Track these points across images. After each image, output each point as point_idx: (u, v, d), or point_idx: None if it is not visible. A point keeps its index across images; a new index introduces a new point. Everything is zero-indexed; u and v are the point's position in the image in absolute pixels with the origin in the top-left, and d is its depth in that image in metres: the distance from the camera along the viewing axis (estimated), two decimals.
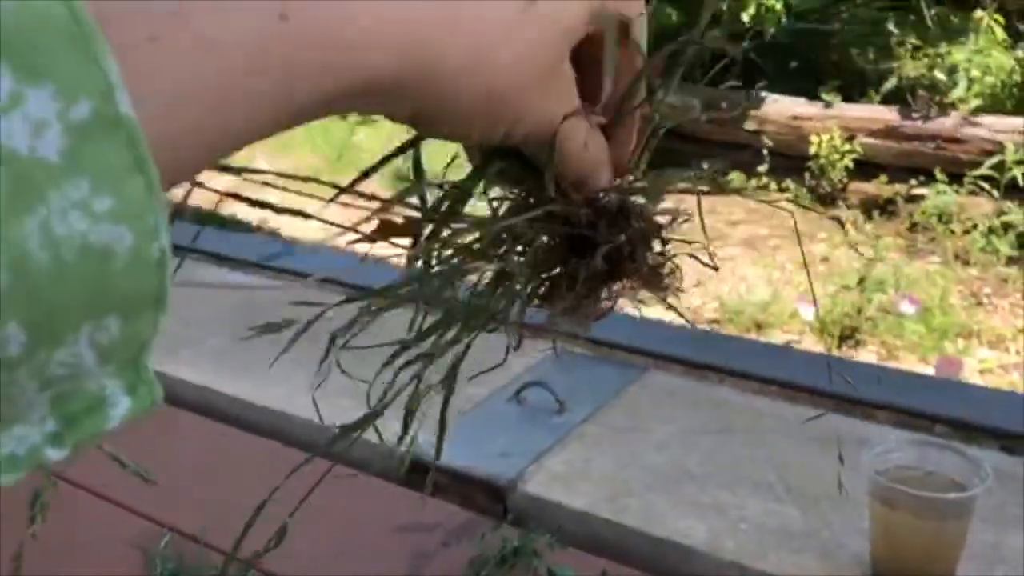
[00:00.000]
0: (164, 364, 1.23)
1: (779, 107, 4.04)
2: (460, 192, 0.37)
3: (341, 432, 0.39)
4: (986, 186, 3.53)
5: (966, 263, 3.23)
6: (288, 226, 3.01)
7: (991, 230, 3.33)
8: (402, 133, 0.33)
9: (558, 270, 0.38)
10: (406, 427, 0.41)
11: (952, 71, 3.85)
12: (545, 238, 0.38)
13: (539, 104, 0.32)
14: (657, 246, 0.38)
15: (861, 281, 2.59)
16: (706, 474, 0.98)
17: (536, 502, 0.94)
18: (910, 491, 0.78)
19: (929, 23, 4.09)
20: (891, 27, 4.42)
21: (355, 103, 0.29)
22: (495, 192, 0.38)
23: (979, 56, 3.85)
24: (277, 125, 0.27)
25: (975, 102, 3.77)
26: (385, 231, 0.36)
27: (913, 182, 3.73)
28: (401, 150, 0.36)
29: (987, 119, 3.74)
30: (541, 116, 0.33)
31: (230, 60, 0.24)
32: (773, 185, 3.89)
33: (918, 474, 0.82)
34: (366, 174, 0.35)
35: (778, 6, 4.01)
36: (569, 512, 0.92)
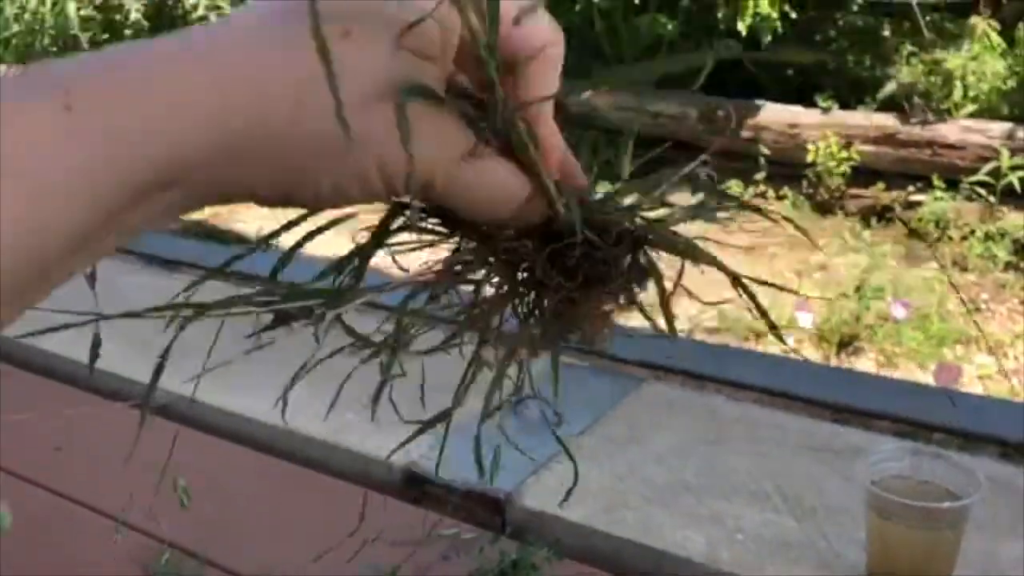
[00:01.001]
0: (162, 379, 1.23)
1: (776, 115, 4.05)
2: (372, 249, 0.35)
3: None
4: (983, 192, 3.54)
5: (964, 269, 3.23)
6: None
7: (988, 236, 3.34)
8: None
9: (533, 295, 0.37)
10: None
11: (948, 78, 3.86)
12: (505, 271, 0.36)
13: (394, 156, 0.29)
14: (640, 256, 0.36)
15: (859, 288, 2.59)
16: (703, 485, 0.98)
17: (534, 515, 0.95)
18: (904, 501, 0.79)
19: (924, 30, 4.11)
20: (887, 34, 4.44)
21: (177, 191, 0.29)
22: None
23: (974, 62, 3.87)
24: (98, 225, 0.27)
25: (971, 108, 3.78)
26: None
27: (911, 188, 3.74)
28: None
29: (983, 125, 3.75)
30: (423, 165, 0.30)
31: (26, 161, 0.25)
32: (771, 193, 3.90)
33: (912, 484, 0.83)
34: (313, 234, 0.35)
35: (774, 14, 4.03)
36: (567, 525, 0.93)
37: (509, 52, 0.32)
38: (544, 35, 0.32)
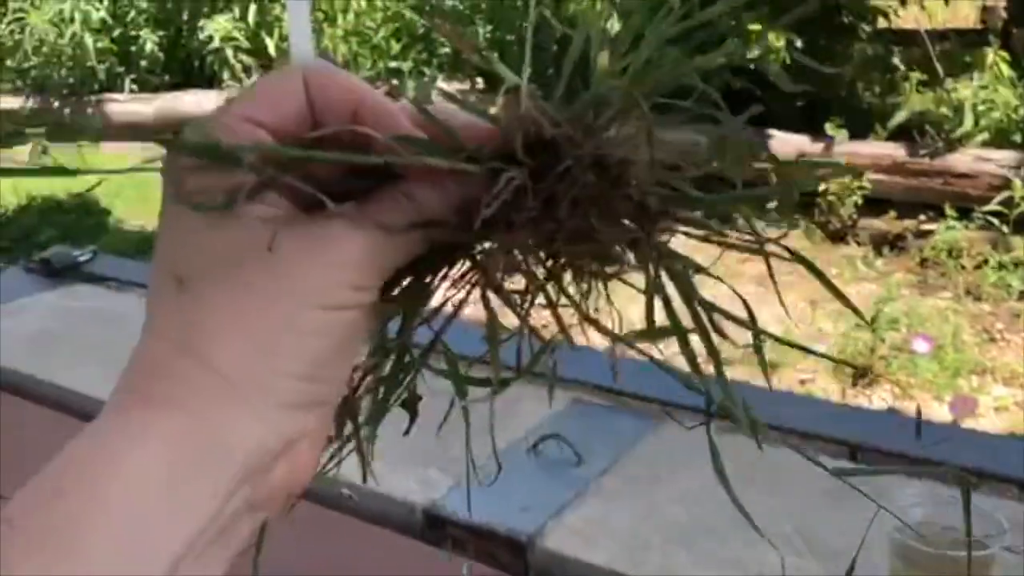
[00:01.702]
0: None
1: (785, 144, 4.06)
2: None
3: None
4: (995, 221, 3.54)
5: (977, 299, 3.22)
6: None
7: (1001, 265, 3.33)
8: None
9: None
10: None
11: (958, 107, 3.87)
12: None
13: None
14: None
15: (874, 319, 2.59)
16: (725, 527, 0.98)
17: (557, 558, 0.95)
18: (929, 550, 0.79)
19: (935, 59, 4.13)
20: (896, 62, 4.46)
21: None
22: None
23: (985, 91, 3.88)
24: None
25: (981, 137, 3.79)
26: None
27: (922, 217, 3.75)
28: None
29: (995, 154, 3.75)
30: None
31: None
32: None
33: (937, 530, 0.83)
34: None
35: (780, 43, 4.05)
36: (590, 568, 0.93)
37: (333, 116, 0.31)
38: (350, 87, 0.32)
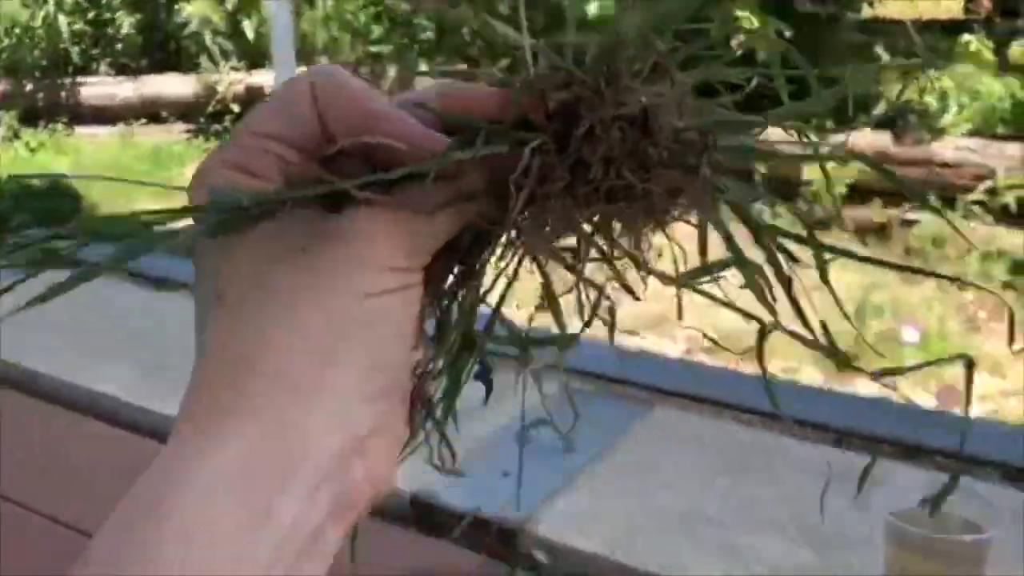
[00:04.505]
0: (166, 407, 1.22)
1: (769, 132, 4.06)
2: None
3: None
4: (979, 211, 3.55)
5: (961, 288, 3.24)
6: None
7: (985, 255, 3.35)
8: None
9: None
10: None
11: (943, 96, 3.88)
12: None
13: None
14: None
15: (859, 308, 2.59)
16: (719, 515, 0.97)
17: (547, 545, 0.93)
18: (925, 534, 0.77)
19: (919, 49, 4.13)
20: (881, 52, 4.47)
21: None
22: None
23: (969, 81, 3.89)
24: None
25: (965, 127, 3.80)
26: None
27: (906, 207, 3.76)
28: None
29: (978, 144, 3.77)
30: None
31: None
32: (767, 211, 3.90)
33: (933, 514, 0.81)
34: None
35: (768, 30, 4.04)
36: (581, 556, 0.91)
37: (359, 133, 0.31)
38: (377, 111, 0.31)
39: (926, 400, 2.25)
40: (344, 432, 0.29)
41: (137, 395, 1.17)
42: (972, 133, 3.83)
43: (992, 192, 3.53)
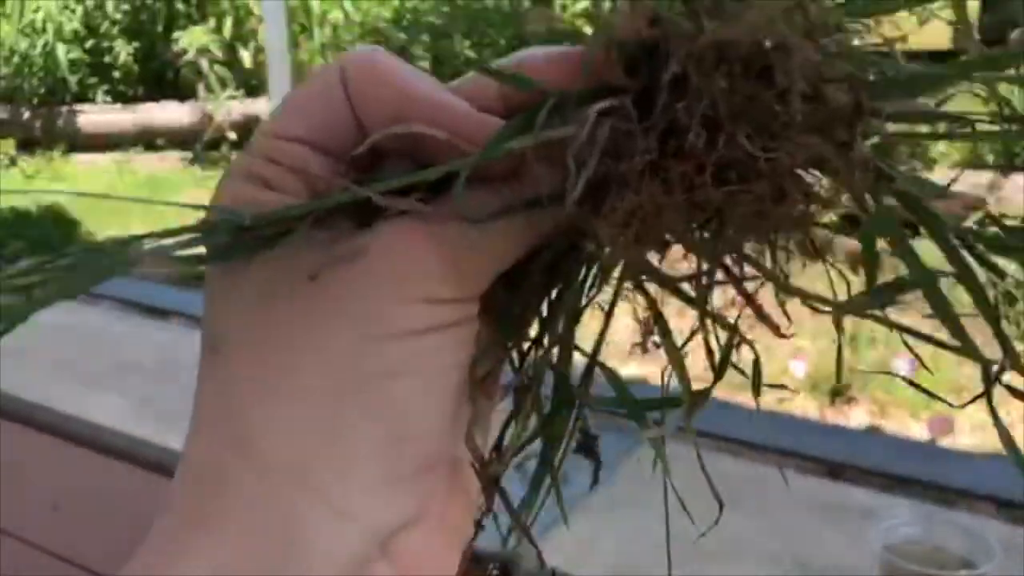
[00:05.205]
0: (164, 437, 1.22)
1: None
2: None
3: None
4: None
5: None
6: None
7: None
8: None
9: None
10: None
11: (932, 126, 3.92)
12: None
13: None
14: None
15: (852, 338, 2.61)
16: (713, 547, 0.97)
17: None
18: (919, 570, 0.78)
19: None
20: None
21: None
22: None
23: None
24: None
25: (956, 157, 3.84)
26: None
27: None
28: None
29: (969, 175, 3.81)
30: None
31: None
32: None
33: (926, 550, 0.82)
34: None
35: None
36: None
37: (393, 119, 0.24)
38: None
39: (918, 432, 2.26)
40: (358, 531, 0.23)
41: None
42: (963, 164, 3.87)
43: (982, 223, 3.56)
